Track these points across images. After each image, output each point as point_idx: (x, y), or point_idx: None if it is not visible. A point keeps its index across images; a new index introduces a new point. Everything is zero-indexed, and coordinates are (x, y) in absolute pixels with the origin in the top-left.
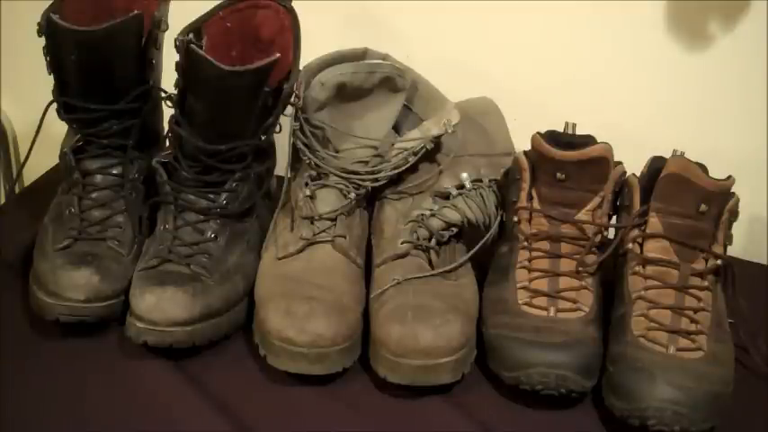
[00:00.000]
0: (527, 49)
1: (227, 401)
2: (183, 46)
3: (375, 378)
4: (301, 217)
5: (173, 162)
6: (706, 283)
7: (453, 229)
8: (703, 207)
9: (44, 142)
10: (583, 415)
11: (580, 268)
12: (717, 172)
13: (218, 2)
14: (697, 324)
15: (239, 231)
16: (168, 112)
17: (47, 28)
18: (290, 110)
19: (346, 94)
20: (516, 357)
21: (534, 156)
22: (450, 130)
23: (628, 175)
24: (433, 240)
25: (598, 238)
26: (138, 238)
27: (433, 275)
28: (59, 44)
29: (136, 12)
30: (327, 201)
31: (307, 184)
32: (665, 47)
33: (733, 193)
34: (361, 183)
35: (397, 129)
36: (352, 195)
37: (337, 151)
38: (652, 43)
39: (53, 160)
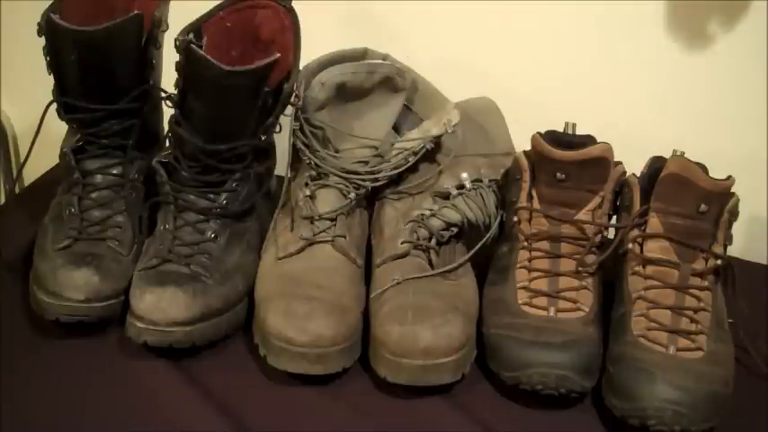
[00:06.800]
0: (527, 48)
1: (227, 401)
2: (182, 46)
3: (375, 378)
4: (301, 217)
5: (173, 162)
6: (706, 283)
7: (453, 229)
8: (703, 207)
9: (44, 142)
10: (583, 415)
11: (580, 268)
12: (717, 172)
13: (218, 2)
14: (697, 324)
15: (239, 231)
16: (168, 112)
17: (47, 28)
18: (290, 110)
19: (346, 94)
20: (516, 357)
21: (534, 156)
22: (450, 130)
23: (628, 175)
24: (433, 240)
25: (598, 238)
26: (138, 238)
27: (432, 275)
28: (59, 44)
29: (136, 12)
30: (327, 201)
31: (307, 184)
32: (665, 46)
33: (733, 193)
34: (361, 183)
35: (397, 129)
36: (352, 195)
37: (337, 151)
38: (652, 43)
39: (53, 160)
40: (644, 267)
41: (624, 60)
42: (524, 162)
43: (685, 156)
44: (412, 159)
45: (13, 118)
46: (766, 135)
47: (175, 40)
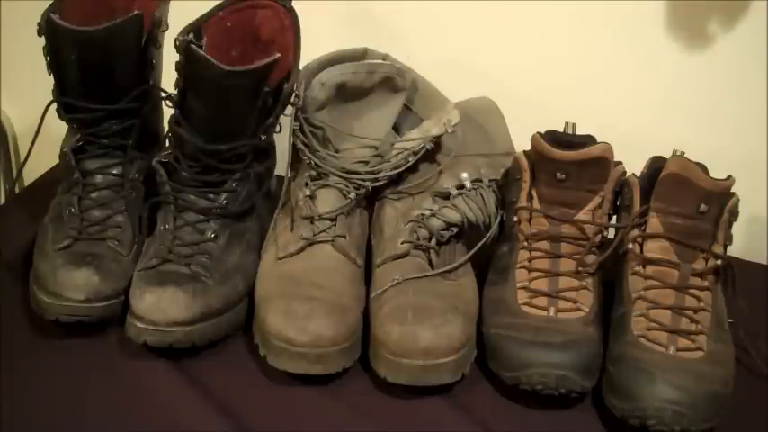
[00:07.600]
0: (527, 48)
1: (227, 401)
2: (183, 46)
3: (375, 378)
4: (301, 217)
5: (173, 162)
6: (706, 283)
7: (453, 229)
8: (703, 207)
9: (44, 142)
10: (583, 415)
11: (580, 268)
12: (717, 172)
13: (218, 2)
14: (697, 324)
15: (239, 231)
16: (168, 112)
17: (47, 28)
18: (290, 110)
19: (346, 94)
20: (516, 357)
21: (534, 156)
22: (450, 130)
23: (628, 175)
24: (433, 240)
25: (598, 238)
26: (138, 238)
27: (432, 275)
28: (59, 44)
29: (136, 12)
30: (327, 201)
31: (307, 184)
32: (665, 47)
33: (733, 193)
34: (361, 183)
35: (397, 129)
36: (352, 195)
37: (337, 151)
38: (652, 43)
39: (53, 160)
40: (644, 267)
41: (624, 60)
42: (524, 162)
43: (685, 156)
44: (412, 159)
45: (13, 118)
46: (766, 135)
47: (175, 40)
